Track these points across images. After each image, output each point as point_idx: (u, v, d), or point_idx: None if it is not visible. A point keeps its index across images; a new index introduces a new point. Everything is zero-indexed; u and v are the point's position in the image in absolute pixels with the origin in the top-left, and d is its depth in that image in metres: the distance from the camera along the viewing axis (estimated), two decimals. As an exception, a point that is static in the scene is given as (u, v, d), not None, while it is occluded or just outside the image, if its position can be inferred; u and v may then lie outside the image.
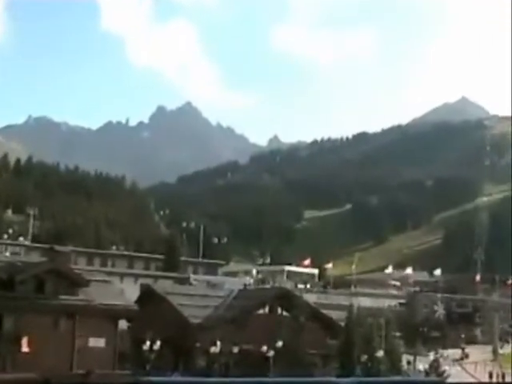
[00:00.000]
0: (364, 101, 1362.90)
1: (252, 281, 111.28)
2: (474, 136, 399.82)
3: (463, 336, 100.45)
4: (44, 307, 38.93)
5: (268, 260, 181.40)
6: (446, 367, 63.20)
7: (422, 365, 64.55)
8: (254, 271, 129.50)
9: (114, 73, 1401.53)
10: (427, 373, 60.61)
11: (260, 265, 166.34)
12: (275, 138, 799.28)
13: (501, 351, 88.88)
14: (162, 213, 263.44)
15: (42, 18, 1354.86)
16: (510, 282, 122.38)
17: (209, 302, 55.79)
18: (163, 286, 66.50)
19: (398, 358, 60.03)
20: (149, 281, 76.32)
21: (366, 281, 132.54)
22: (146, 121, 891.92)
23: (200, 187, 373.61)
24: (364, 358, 53.90)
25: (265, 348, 50.96)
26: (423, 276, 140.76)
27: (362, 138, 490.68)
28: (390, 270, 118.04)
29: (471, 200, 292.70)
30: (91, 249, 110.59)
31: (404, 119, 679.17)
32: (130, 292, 51.97)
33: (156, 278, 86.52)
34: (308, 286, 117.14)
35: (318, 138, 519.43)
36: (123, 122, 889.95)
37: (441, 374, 59.32)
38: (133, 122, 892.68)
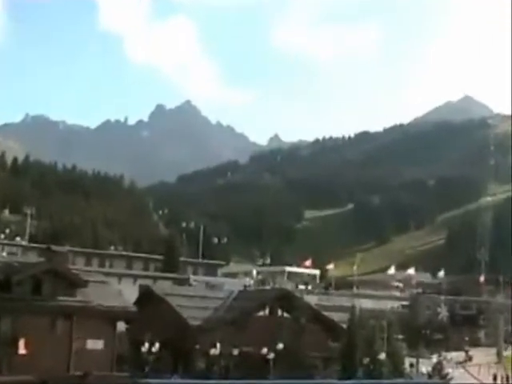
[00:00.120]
0: (365, 99, 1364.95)
1: (252, 282, 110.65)
2: (477, 135, 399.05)
3: (467, 338, 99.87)
4: (41, 308, 38.74)
5: (268, 260, 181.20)
6: (450, 370, 62.70)
7: (424, 367, 63.96)
8: (254, 272, 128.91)
9: (113, 71, 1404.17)
10: (430, 375, 60.15)
11: (260, 265, 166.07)
12: (276, 137, 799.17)
13: (505, 353, 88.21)
14: (161, 212, 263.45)
15: (39, 16, 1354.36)
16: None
17: (208, 304, 55.10)
18: (162, 286, 65.91)
19: (401, 360, 59.42)
20: (148, 282, 75.98)
21: (368, 282, 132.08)
22: (145, 119, 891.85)
23: (200, 187, 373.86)
24: (366, 360, 53.26)
25: (265, 350, 50.30)
26: (426, 277, 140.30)
27: (363, 137, 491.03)
28: (392, 271, 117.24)
29: (474, 200, 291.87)
30: (89, 249, 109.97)
31: (406, 118, 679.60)
32: (129, 293, 51.39)
33: (155, 278, 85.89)
34: (309, 287, 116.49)
35: (320, 137, 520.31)
36: (122, 120, 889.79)
37: (444, 377, 59.05)
38: (132, 121, 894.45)
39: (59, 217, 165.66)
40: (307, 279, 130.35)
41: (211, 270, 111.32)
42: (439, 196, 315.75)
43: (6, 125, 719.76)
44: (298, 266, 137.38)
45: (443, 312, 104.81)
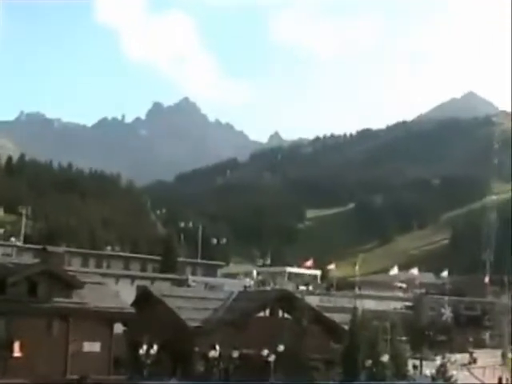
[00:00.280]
0: (367, 96, 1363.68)
1: (252, 282, 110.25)
2: (481, 133, 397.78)
3: (471, 340, 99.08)
4: (37, 310, 38.68)
5: (268, 261, 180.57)
6: (454, 372, 61.84)
7: (428, 370, 63.27)
8: (255, 272, 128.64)
9: (110, 67, 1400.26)
10: (434, 378, 59.42)
11: (260, 266, 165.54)
12: (276, 135, 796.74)
13: (510, 355, 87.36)
14: (158, 212, 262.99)
15: (34, 12, 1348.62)
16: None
17: (207, 305, 54.79)
18: (160, 287, 65.31)
19: (404, 362, 58.79)
20: (145, 282, 75.54)
21: (371, 282, 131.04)
22: (142, 117, 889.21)
23: (198, 186, 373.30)
24: (368, 362, 52.45)
25: (266, 352, 49.84)
26: (430, 277, 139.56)
27: (365, 134, 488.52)
28: (395, 271, 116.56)
29: (479, 199, 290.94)
30: (86, 249, 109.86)
31: (409, 115, 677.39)
32: (126, 294, 51.33)
33: (153, 279, 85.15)
34: (310, 287, 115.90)
35: (321, 135, 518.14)
36: (119, 118, 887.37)
37: (448, 379, 58.32)
38: (129, 119, 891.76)
39: (55, 217, 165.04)
40: (308, 280, 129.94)
41: (210, 271, 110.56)
42: (443, 195, 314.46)
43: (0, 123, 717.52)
44: (299, 266, 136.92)
45: (447, 313, 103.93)
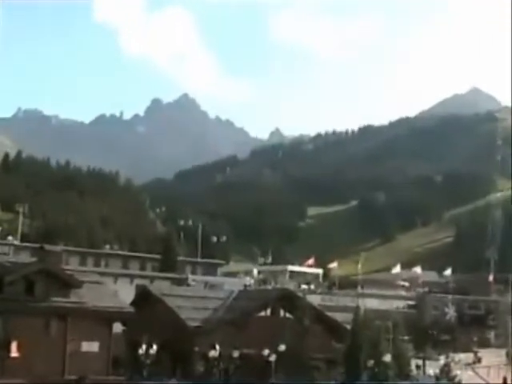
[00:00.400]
0: (369, 92, 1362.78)
1: (253, 281, 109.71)
2: (484, 129, 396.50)
3: (475, 339, 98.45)
4: (34, 310, 38.27)
5: (269, 259, 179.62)
6: (458, 372, 61.58)
7: (432, 369, 63.01)
8: (255, 271, 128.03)
9: (108, 63, 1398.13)
10: (438, 378, 59.22)
11: (261, 264, 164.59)
12: (277, 132, 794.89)
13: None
14: (158, 210, 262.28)
15: (32, 9, 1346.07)
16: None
17: (207, 304, 54.57)
18: (160, 287, 65.18)
19: (407, 362, 58.54)
20: (145, 282, 75.00)
21: (373, 281, 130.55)
22: (141, 114, 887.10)
23: (198, 183, 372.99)
24: (371, 362, 52.21)
25: (266, 352, 49.76)
26: (433, 276, 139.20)
27: (367, 131, 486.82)
28: (397, 269, 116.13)
29: (483, 196, 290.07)
30: (84, 248, 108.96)
31: (412, 111, 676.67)
32: (125, 293, 51.18)
33: (152, 278, 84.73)
34: (312, 286, 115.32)
35: (322, 132, 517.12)
36: (117, 115, 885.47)
37: (452, 379, 58.19)
38: (127, 115, 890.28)
39: (53, 215, 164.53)
40: (310, 278, 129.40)
41: (210, 270, 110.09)
42: (446, 192, 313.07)
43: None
44: (301, 264, 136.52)
45: (451, 312, 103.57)
